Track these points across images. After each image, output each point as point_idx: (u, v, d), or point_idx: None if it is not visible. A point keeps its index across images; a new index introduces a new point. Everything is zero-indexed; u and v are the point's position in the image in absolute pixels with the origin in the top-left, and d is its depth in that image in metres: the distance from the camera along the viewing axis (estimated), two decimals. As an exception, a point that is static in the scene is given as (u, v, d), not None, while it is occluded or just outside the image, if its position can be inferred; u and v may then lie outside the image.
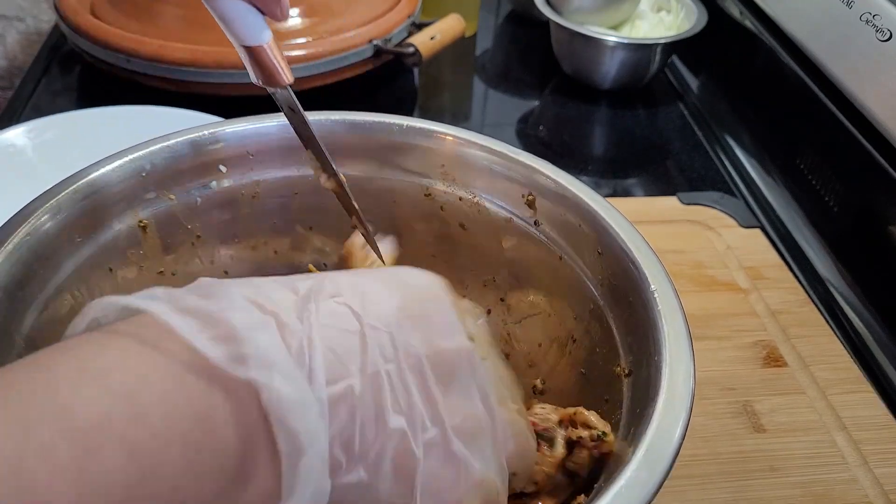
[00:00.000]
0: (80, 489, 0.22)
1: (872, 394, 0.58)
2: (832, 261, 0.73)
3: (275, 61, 0.40)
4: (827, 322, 0.64)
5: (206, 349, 0.25)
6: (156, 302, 0.27)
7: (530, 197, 0.48)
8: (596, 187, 0.53)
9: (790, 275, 0.68)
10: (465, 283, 0.52)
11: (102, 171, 0.46)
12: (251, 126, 0.51)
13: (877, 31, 0.67)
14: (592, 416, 0.40)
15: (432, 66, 0.99)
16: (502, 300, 0.51)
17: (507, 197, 0.49)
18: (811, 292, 0.68)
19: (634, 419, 0.36)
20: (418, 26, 0.95)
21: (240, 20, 0.38)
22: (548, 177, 0.47)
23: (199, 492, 0.24)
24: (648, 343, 0.38)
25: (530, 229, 0.49)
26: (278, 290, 0.29)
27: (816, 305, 0.66)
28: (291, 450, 0.26)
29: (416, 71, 1.01)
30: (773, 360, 0.60)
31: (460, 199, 0.51)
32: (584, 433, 0.39)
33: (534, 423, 0.40)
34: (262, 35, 0.39)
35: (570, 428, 0.40)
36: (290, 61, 0.84)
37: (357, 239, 0.49)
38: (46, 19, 1.19)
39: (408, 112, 0.96)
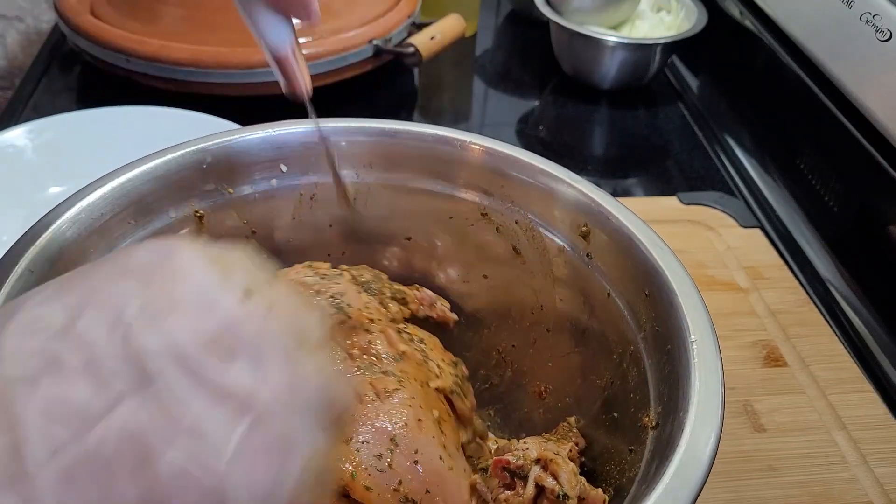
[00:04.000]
0: None
1: (872, 393, 0.58)
2: (832, 261, 0.73)
3: (297, 73, 0.43)
4: (827, 322, 0.64)
5: None
6: None
7: (585, 228, 0.47)
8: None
9: (790, 275, 0.68)
10: (511, 309, 0.52)
11: (163, 159, 0.47)
12: (315, 128, 0.51)
13: (877, 31, 0.67)
14: (564, 473, 0.39)
15: (432, 66, 0.99)
16: (548, 331, 0.50)
17: (562, 225, 0.48)
18: (811, 292, 0.68)
19: (647, 478, 0.35)
20: (418, 26, 0.95)
21: (268, 28, 0.40)
22: (604, 209, 0.46)
23: None
24: (678, 397, 0.36)
25: (582, 261, 0.47)
26: None
27: (816, 305, 0.66)
28: None
29: (416, 71, 1.01)
30: (773, 359, 0.60)
31: (516, 222, 0.50)
32: (552, 484, 0.38)
33: (507, 462, 0.40)
34: (285, 44, 0.41)
35: (543, 471, 0.39)
36: (290, 61, 0.84)
37: None
38: (46, 19, 1.19)
39: (408, 112, 0.96)
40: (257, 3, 0.40)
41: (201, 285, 0.26)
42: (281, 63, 0.42)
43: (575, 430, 0.46)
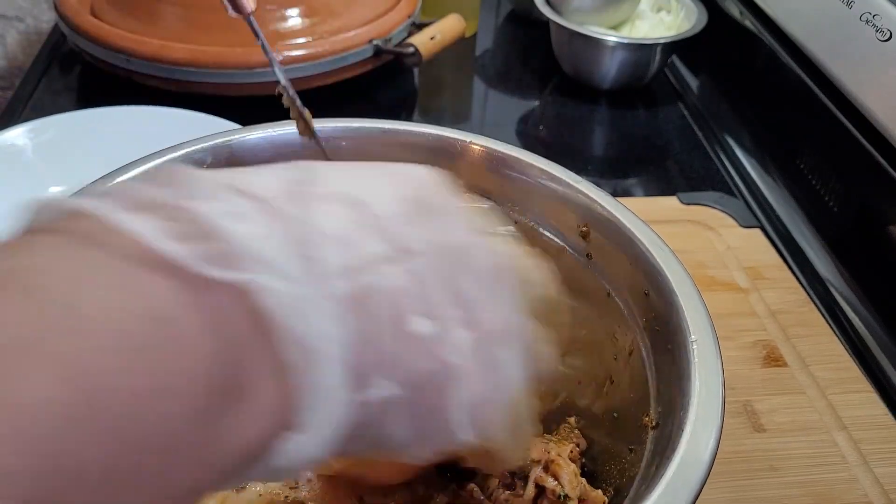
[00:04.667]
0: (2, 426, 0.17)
1: (872, 393, 0.58)
2: (832, 261, 0.73)
3: None
4: (827, 322, 0.64)
5: (168, 248, 0.20)
6: (102, 200, 0.21)
7: (584, 228, 0.47)
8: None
9: (790, 275, 0.68)
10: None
11: (164, 159, 0.47)
12: (319, 127, 0.50)
13: (877, 31, 0.67)
14: (566, 474, 0.39)
15: (432, 66, 0.99)
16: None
17: (561, 225, 0.48)
18: (811, 292, 0.68)
19: (646, 479, 0.35)
20: (418, 26, 0.95)
21: None
22: (604, 208, 0.46)
23: (171, 411, 0.20)
24: (678, 397, 0.36)
25: (582, 261, 0.47)
26: (261, 176, 0.25)
27: (816, 305, 0.66)
28: (300, 360, 0.21)
29: (416, 71, 1.01)
30: (773, 359, 0.60)
31: (516, 222, 0.50)
32: (553, 485, 0.38)
33: None
34: None
35: (544, 472, 0.39)
36: (291, 61, 0.85)
37: None
38: (46, 19, 1.19)
39: (408, 112, 0.96)
40: None
41: (471, 221, 0.28)
42: None
43: (576, 430, 0.46)
